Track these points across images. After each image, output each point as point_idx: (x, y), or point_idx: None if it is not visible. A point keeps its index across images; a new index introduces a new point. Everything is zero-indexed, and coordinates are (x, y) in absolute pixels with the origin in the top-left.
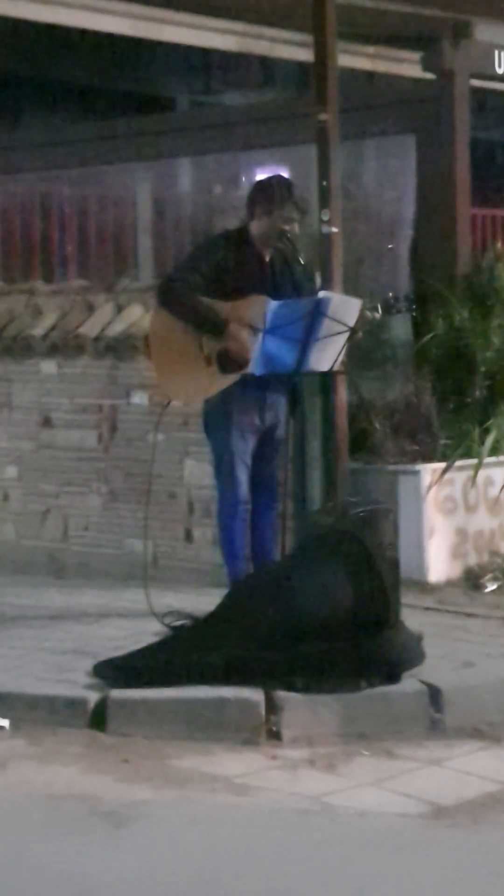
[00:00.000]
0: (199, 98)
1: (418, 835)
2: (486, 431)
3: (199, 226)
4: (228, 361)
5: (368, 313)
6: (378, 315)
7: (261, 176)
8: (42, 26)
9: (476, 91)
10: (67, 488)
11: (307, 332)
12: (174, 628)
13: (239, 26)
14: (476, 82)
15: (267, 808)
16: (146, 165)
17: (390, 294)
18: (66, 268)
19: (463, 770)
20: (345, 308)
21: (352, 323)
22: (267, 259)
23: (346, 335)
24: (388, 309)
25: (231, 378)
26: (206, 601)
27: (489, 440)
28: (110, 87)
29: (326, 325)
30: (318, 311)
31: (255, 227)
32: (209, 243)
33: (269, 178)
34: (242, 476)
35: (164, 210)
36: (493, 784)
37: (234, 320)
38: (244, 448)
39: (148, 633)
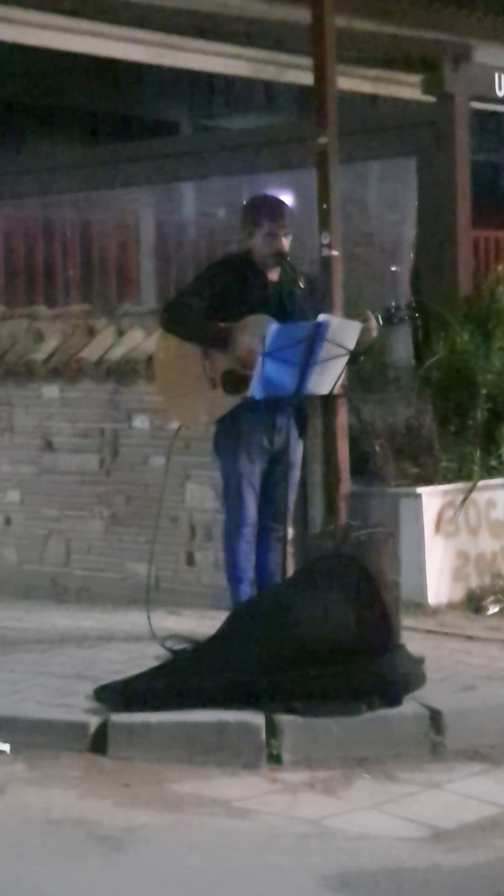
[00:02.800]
0: (202, 122)
1: (417, 858)
2: (488, 454)
3: (202, 250)
4: (234, 380)
5: (370, 321)
6: (377, 325)
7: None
8: (45, 52)
9: (480, 113)
10: (69, 512)
11: (306, 355)
12: (175, 652)
13: (249, 51)
14: (481, 104)
15: (265, 832)
16: (148, 189)
17: (392, 303)
18: (68, 292)
19: (462, 793)
20: (344, 331)
21: (351, 346)
22: (272, 280)
23: (346, 358)
24: (390, 318)
25: (234, 401)
26: (207, 624)
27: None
28: (114, 112)
29: (326, 349)
30: (317, 335)
31: (253, 247)
32: (212, 267)
33: (256, 196)
34: (249, 499)
35: (167, 234)
36: (492, 808)
37: (244, 334)
38: (252, 470)
39: (149, 656)
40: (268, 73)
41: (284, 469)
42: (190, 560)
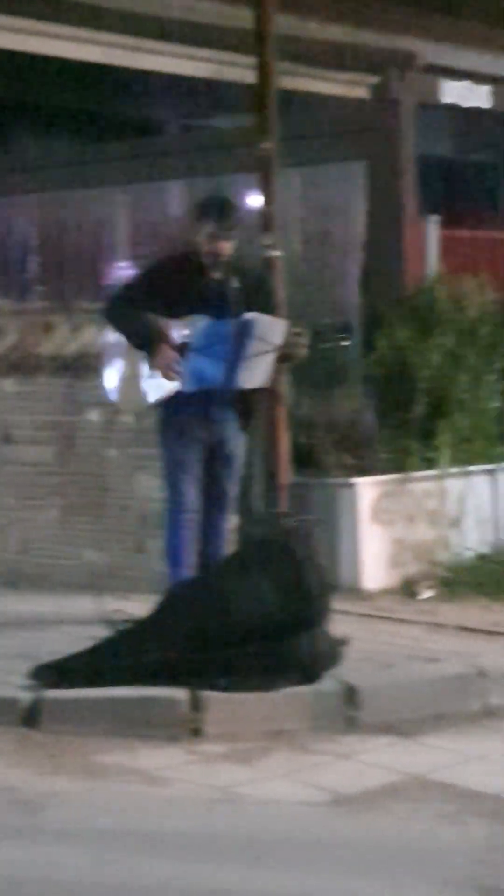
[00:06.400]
0: (188, 122)
1: (314, 821)
2: (427, 446)
3: (168, 250)
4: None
5: (299, 341)
6: (306, 342)
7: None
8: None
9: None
10: (27, 502)
11: (235, 351)
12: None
13: (213, 54)
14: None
15: (178, 797)
16: (117, 190)
17: (327, 321)
18: (29, 289)
19: (371, 763)
20: (271, 329)
21: (278, 342)
22: (214, 279)
23: (274, 354)
24: (320, 338)
25: (169, 390)
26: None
27: (440, 457)
28: (96, 112)
29: (254, 345)
30: (245, 332)
31: (198, 246)
32: (157, 263)
33: (207, 197)
34: (188, 486)
35: (135, 233)
36: (395, 775)
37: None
38: (189, 459)
39: (92, 638)
40: (233, 74)
41: (224, 460)
42: (140, 548)
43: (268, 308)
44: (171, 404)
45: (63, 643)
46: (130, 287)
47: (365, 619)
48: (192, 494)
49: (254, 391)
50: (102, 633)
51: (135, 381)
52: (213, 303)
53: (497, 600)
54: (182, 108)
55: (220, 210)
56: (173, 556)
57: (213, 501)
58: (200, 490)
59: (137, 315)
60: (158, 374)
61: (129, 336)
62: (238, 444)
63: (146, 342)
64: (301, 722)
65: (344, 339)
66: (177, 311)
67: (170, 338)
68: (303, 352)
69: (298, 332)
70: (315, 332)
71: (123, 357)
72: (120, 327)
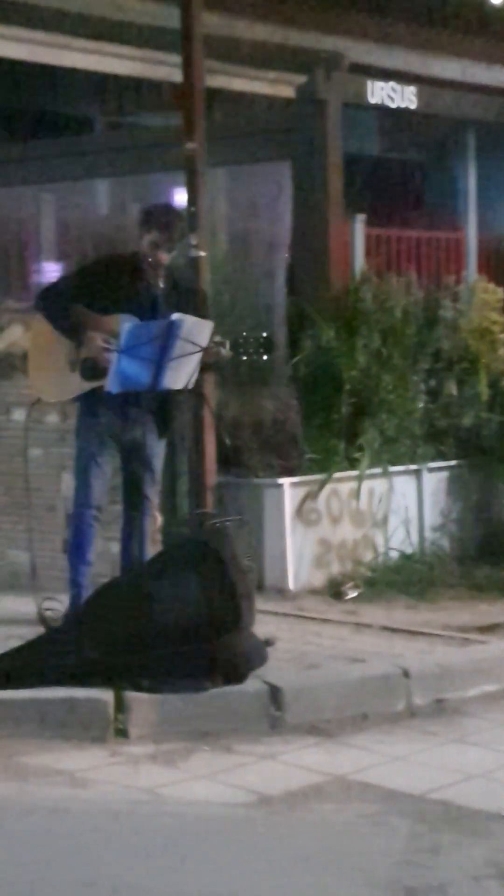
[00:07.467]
0: (117, 119)
1: (235, 821)
2: (352, 447)
3: (100, 250)
4: (91, 368)
5: (220, 350)
6: (227, 352)
7: (150, 202)
8: None
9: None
10: None
11: (161, 352)
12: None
13: (139, 52)
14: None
15: (100, 799)
16: (48, 188)
17: (244, 334)
18: None
19: (294, 763)
20: (198, 329)
21: (204, 343)
22: (149, 283)
23: (200, 355)
24: (237, 350)
25: (89, 385)
26: None
27: (364, 458)
28: (22, 110)
29: (180, 346)
30: (171, 333)
31: (140, 250)
32: (95, 260)
33: (154, 205)
34: (95, 481)
35: (66, 232)
36: (318, 776)
37: (99, 331)
38: (100, 453)
39: (16, 637)
40: (160, 73)
41: (141, 461)
42: (65, 547)
43: (194, 309)
44: (91, 400)
45: None
46: (66, 279)
47: (290, 620)
48: (97, 489)
49: (171, 393)
50: (29, 633)
51: (57, 372)
52: (145, 305)
53: (421, 600)
54: (110, 105)
55: (164, 221)
56: (73, 550)
57: (132, 503)
58: (107, 490)
59: (70, 305)
60: (88, 363)
61: (60, 325)
62: (154, 446)
63: (77, 330)
64: (225, 723)
65: (264, 353)
66: (108, 310)
67: (100, 328)
68: (222, 360)
69: (219, 342)
70: (236, 344)
71: (48, 348)
72: (52, 316)
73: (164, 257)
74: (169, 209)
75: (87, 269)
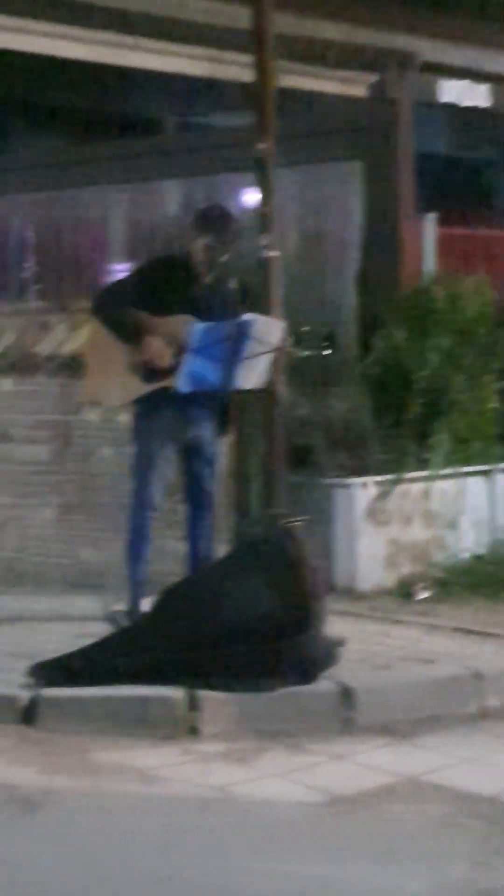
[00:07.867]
0: (187, 120)
1: (307, 820)
2: (422, 447)
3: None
4: (148, 372)
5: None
6: (292, 348)
7: (207, 203)
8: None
9: (459, 111)
10: (24, 500)
11: (232, 352)
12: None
13: (210, 52)
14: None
15: (173, 796)
16: (117, 189)
17: (308, 328)
18: (30, 288)
19: (366, 764)
20: (269, 329)
21: (276, 343)
22: (205, 283)
23: (271, 355)
24: (300, 345)
25: (150, 388)
26: None
27: (436, 455)
28: (93, 111)
29: (251, 346)
30: (242, 333)
31: (193, 251)
32: (150, 262)
33: (206, 208)
34: (154, 482)
35: (135, 234)
36: (390, 777)
37: (157, 334)
38: (161, 455)
39: (87, 636)
40: (230, 73)
41: (203, 460)
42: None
43: (260, 309)
44: (149, 401)
45: (60, 642)
46: (121, 283)
47: (361, 620)
48: (156, 490)
49: (230, 393)
50: (99, 631)
51: (117, 375)
52: (202, 307)
53: (493, 601)
54: (180, 106)
55: (218, 224)
56: (131, 549)
57: (197, 502)
58: (168, 489)
59: (125, 309)
60: (149, 365)
61: (116, 329)
62: (213, 446)
63: (133, 334)
64: (297, 722)
65: (326, 347)
66: (164, 311)
67: (158, 331)
68: (293, 356)
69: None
70: (296, 339)
71: (107, 352)
72: (107, 320)
73: (218, 258)
74: (221, 212)
75: (138, 273)
